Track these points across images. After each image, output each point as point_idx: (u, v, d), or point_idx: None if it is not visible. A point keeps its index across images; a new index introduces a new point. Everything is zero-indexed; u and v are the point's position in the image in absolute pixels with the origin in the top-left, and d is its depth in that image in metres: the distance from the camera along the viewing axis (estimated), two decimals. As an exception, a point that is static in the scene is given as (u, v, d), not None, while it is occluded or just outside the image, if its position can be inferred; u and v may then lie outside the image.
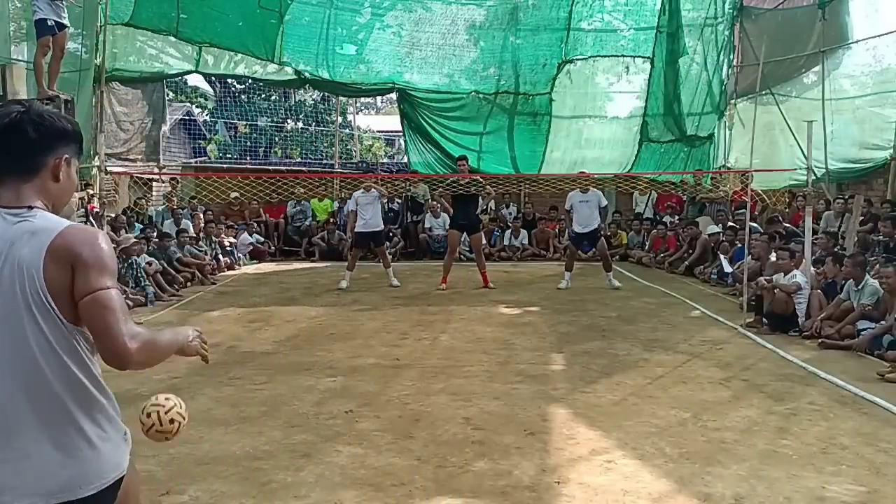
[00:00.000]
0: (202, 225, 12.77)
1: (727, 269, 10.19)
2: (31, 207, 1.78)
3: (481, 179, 11.08)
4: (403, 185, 15.42)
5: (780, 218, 10.98)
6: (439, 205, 11.17)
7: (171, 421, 2.16)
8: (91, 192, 8.41)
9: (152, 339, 1.82)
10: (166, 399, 2.21)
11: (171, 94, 18.92)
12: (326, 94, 20.28)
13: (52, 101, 7.80)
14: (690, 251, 12.17)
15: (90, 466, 1.81)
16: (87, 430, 1.80)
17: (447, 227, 12.38)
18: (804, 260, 7.93)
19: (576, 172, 14.96)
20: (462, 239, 11.65)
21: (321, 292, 10.43)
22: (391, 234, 14.12)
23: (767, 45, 10.06)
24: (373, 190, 10.75)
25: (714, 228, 11.99)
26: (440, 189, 11.92)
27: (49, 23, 7.73)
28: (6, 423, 1.74)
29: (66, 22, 7.88)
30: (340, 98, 18.66)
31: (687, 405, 5.13)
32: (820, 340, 6.98)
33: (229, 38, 14.15)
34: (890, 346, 6.36)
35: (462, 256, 13.81)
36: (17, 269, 1.71)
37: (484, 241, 14.47)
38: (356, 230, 10.86)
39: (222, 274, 12.07)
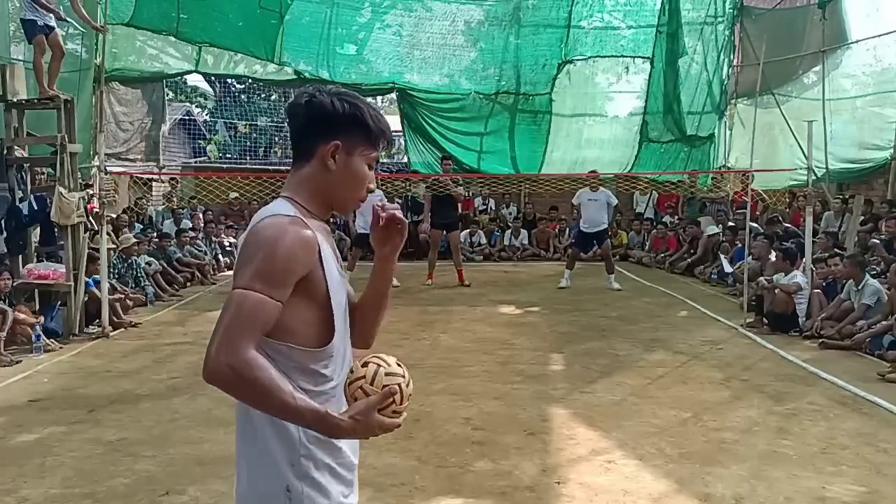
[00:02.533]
0: (202, 225, 12.76)
1: (727, 269, 10.18)
2: (278, 196, 1.67)
3: (460, 179, 11.21)
4: (403, 184, 15.42)
5: (781, 218, 10.98)
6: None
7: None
8: (91, 192, 8.40)
9: (257, 377, 1.47)
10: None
11: (171, 94, 18.90)
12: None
13: (51, 101, 7.82)
14: (692, 251, 12.17)
15: (240, 484, 1.67)
16: (244, 459, 1.70)
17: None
18: (804, 260, 7.93)
19: (576, 172, 15.05)
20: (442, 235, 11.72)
21: (321, 292, 10.41)
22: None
23: (767, 45, 10.06)
24: (376, 192, 10.72)
25: (714, 229, 11.98)
26: (424, 192, 11.97)
27: (39, 23, 7.74)
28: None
29: (52, 24, 7.88)
30: (340, 98, 18.62)
31: (687, 405, 5.13)
32: (820, 340, 6.97)
33: (229, 38, 14.14)
34: (890, 346, 6.36)
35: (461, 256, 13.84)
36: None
37: (485, 241, 14.58)
38: (357, 231, 10.89)
39: (222, 274, 12.05)
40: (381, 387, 1.56)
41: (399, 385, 1.58)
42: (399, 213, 1.74)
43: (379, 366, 1.58)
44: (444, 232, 11.13)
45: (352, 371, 1.61)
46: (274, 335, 1.54)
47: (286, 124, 1.70)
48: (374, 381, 1.56)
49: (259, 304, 1.47)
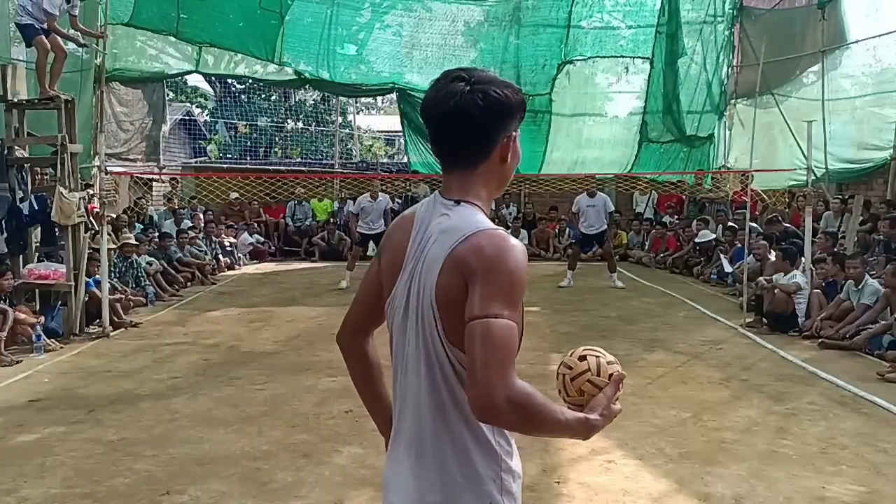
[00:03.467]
0: (202, 225, 12.78)
1: (728, 269, 10.18)
2: (457, 202, 1.53)
3: None
4: (403, 184, 15.43)
5: (781, 218, 10.98)
6: None
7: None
8: (91, 192, 8.41)
9: (536, 405, 1.40)
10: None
11: (171, 94, 18.90)
12: (326, 94, 20.27)
13: (52, 101, 7.83)
14: (694, 251, 12.19)
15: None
16: (440, 475, 1.54)
17: None
18: (804, 260, 7.93)
19: (576, 172, 15.06)
20: None
21: (321, 292, 10.43)
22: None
23: (767, 46, 10.06)
24: (380, 199, 10.72)
25: (708, 235, 11.92)
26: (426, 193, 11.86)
27: (37, 26, 7.75)
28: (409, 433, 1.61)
29: (45, 26, 7.87)
30: (340, 98, 18.67)
31: (687, 405, 5.13)
32: (820, 340, 6.98)
33: (229, 39, 14.15)
34: (890, 346, 6.37)
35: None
36: (425, 266, 1.51)
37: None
38: (359, 230, 10.86)
39: (222, 274, 12.07)
40: (608, 375, 1.60)
41: (620, 371, 1.63)
42: None
43: (598, 357, 1.63)
44: None
45: (569, 367, 1.63)
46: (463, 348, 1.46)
47: (434, 127, 1.55)
48: (600, 372, 1.60)
49: (510, 331, 1.40)
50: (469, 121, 1.50)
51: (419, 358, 1.53)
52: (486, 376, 1.37)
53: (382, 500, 1.71)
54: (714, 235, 11.90)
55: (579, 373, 1.60)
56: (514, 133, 1.57)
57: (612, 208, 11.31)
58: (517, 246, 1.47)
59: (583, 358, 1.62)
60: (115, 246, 9.13)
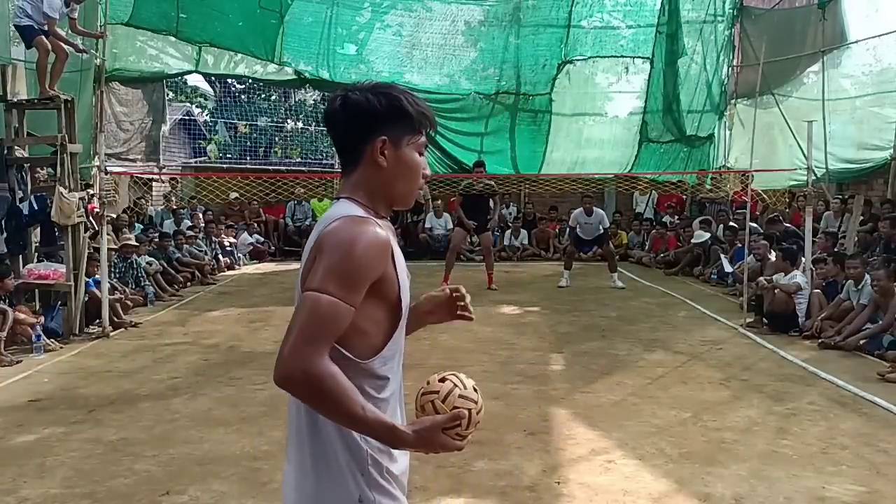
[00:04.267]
0: (202, 225, 12.78)
1: (728, 268, 10.17)
2: (338, 198, 1.62)
3: (493, 184, 11.00)
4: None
5: (781, 218, 10.98)
6: (457, 216, 11.00)
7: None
8: (91, 192, 8.40)
9: (332, 386, 1.43)
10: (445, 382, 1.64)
11: (171, 94, 18.90)
12: (326, 94, 20.26)
13: (52, 101, 7.83)
14: (694, 252, 12.19)
15: (305, 496, 1.58)
16: (309, 467, 1.58)
17: (448, 227, 12.32)
18: (803, 260, 7.93)
19: (576, 172, 15.07)
20: (466, 238, 11.61)
21: (321, 292, 10.41)
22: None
23: (767, 45, 10.06)
24: None
25: (703, 236, 11.91)
26: (455, 198, 11.71)
27: (36, 27, 7.74)
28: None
29: (45, 28, 7.87)
30: (340, 98, 18.64)
31: (687, 405, 5.13)
32: (820, 341, 6.98)
33: (229, 39, 14.15)
34: (890, 346, 6.37)
35: (462, 256, 13.82)
36: (303, 256, 1.60)
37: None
38: None
39: (222, 274, 12.07)
40: (452, 407, 1.56)
41: (470, 410, 1.57)
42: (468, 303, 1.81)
43: (455, 385, 1.59)
44: (475, 233, 11.04)
45: (428, 383, 1.62)
46: (342, 338, 1.50)
47: (325, 132, 1.68)
48: (447, 400, 1.57)
49: (333, 308, 1.44)
50: (334, 126, 1.62)
51: None
52: (294, 344, 1.42)
53: None
54: (708, 236, 11.90)
55: (429, 391, 1.60)
56: (385, 140, 1.59)
57: (608, 224, 11.45)
58: (369, 232, 1.50)
59: (443, 380, 1.61)
60: (115, 246, 9.13)
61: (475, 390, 1.60)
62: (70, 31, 8.42)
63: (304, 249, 1.61)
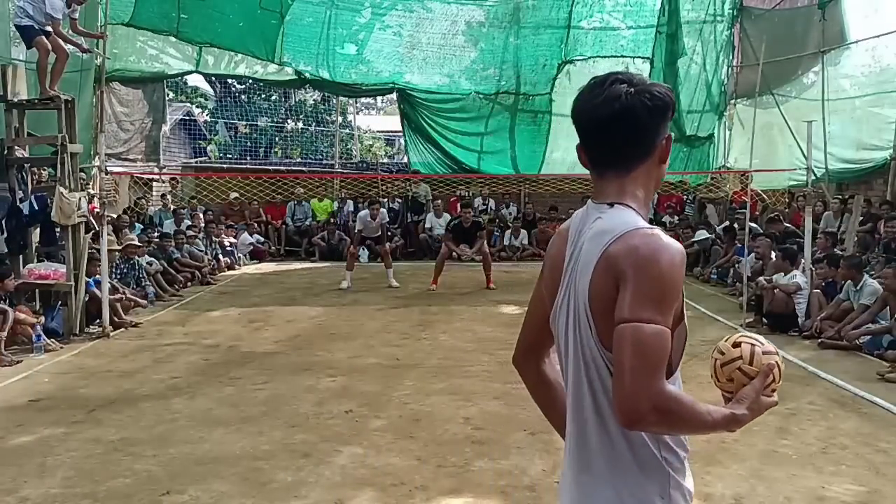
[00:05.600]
0: (202, 225, 12.78)
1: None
2: (611, 204, 1.49)
3: (482, 220, 11.26)
4: (404, 184, 15.43)
5: (781, 217, 10.98)
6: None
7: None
8: (91, 192, 8.41)
9: (682, 411, 1.39)
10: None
11: (172, 94, 18.90)
12: (326, 94, 20.28)
13: (52, 101, 7.83)
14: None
15: None
16: (603, 489, 1.49)
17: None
18: (803, 260, 7.93)
19: (576, 172, 15.04)
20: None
21: (321, 292, 10.43)
22: (391, 234, 14.12)
23: (767, 46, 10.05)
24: (378, 218, 10.80)
25: (703, 234, 11.93)
26: (444, 235, 11.82)
27: (36, 27, 7.74)
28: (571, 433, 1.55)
29: (49, 29, 7.87)
30: (340, 98, 18.68)
31: (687, 405, 5.12)
32: (819, 340, 6.98)
33: (230, 39, 14.16)
34: (889, 346, 6.37)
35: (462, 256, 13.81)
36: (579, 269, 1.47)
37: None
38: (357, 231, 10.96)
39: (222, 274, 12.06)
40: (760, 366, 1.53)
41: (776, 362, 1.56)
42: None
43: (753, 345, 1.56)
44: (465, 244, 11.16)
45: (722, 353, 1.58)
46: None
47: (593, 130, 1.51)
48: (753, 362, 1.54)
49: (658, 336, 1.35)
50: (637, 121, 1.48)
51: (578, 365, 1.50)
52: (632, 383, 1.33)
53: None
54: (708, 235, 11.90)
55: (730, 360, 1.55)
56: (669, 134, 1.55)
57: None
58: (672, 245, 1.40)
59: (737, 345, 1.56)
60: (118, 247, 9.13)
61: (764, 341, 1.59)
62: (71, 32, 8.41)
63: (576, 262, 1.49)
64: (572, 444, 1.57)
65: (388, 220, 11.64)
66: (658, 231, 1.43)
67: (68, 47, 8.30)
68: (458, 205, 11.87)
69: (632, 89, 1.47)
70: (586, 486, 1.52)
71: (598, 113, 1.49)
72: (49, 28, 7.84)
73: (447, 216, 14.28)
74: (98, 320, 7.65)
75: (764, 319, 7.70)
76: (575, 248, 1.51)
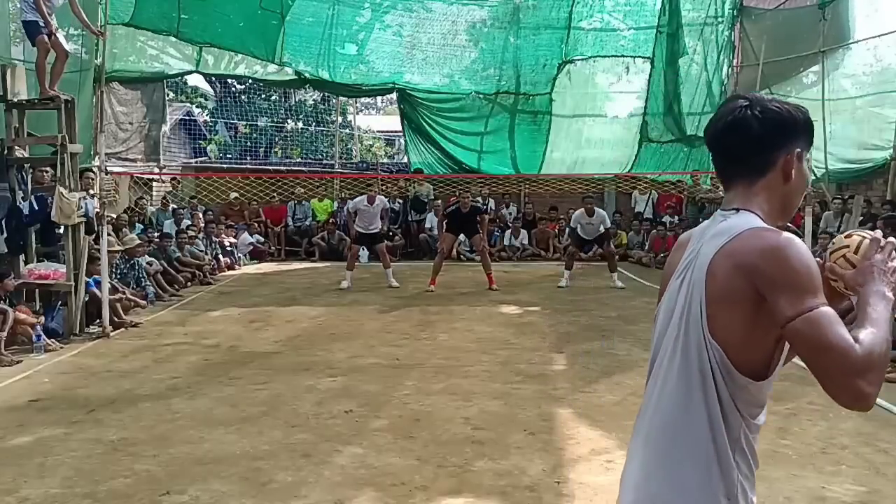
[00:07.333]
0: (202, 225, 12.78)
1: None
2: (737, 210, 1.58)
3: (479, 203, 11.12)
4: (404, 184, 15.44)
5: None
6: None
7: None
8: (91, 192, 8.40)
9: (873, 342, 1.41)
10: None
11: (171, 94, 18.89)
12: (326, 94, 20.28)
13: (52, 101, 7.83)
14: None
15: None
16: (672, 476, 1.53)
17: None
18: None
19: (576, 172, 15.09)
20: (461, 239, 11.61)
21: (321, 292, 10.43)
22: (391, 234, 14.13)
23: (767, 45, 10.07)
24: (377, 203, 10.72)
25: None
26: (440, 222, 11.81)
27: (40, 23, 7.74)
28: (662, 432, 1.59)
29: (52, 28, 7.86)
30: (340, 98, 18.69)
31: (687, 405, 5.12)
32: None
33: (230, 39, 14.16)
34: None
35: (462, 256, 13.82)
36: (697, 262, 1.55)
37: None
38: (357, 230, 10.86)
39: (222, 274, 12.07)
40: (865, 256, 1.58)
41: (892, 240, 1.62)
42: None
43: (864, 238, 1.61)
44: (463, 236, 11.03)
45: (833, 243, 1.67)
46: (730, 351, 1.48)
47: (712, 143, 1.64)
48: (859, 251, 1.60)
49: (828, 316, 1.41)
50: (747, 132, 1.56)
51: (676, 354, 1.56)
52: (832, 367, 1.41)
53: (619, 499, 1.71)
54: None
55: (839, 248, 1.63)
56: (800, 152, 1.59)
57: (609, 224, 11.40)
58: (794, 238, 1.49)
59: (849, 236, 1.64)
60: (120, 248, 9.13)
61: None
62: (71, 12, 8.35)
63: (695, 257, 1.56)
64: (646, 427, 1.62)
65: (387, 205, 11.53)
66: (774, 228, 1.52)
67: (69, 46, 8.28)
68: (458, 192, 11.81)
69: (746, 103, 1.59)
70: (660, 474, 1.57)
71: (715, 127, 1.62)
72: (48, 29, 7.83)
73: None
74: (98, 320, 7.65)
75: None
76: (695, 247, 1.59)
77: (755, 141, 1.57)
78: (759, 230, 1.50)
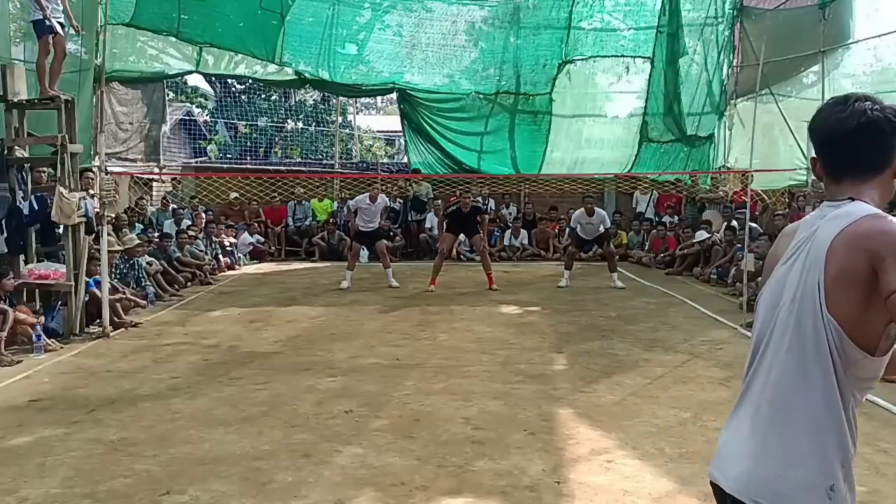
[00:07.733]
0: (202, 225, 12.78)
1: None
2: (851, 199, 1.68)
3: (480, 201, 11.10)
4: (404, 184, 15.43)
5: (783, 217, 10.97)
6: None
7: None
8: (91, 192, 8.40)
9: None
10: None
11: (171, 94, 18.90)
12: (326, 94, 20.28)
13: (52, 101, 7.83)
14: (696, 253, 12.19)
15: (768, 470, 1.66)
16: (786, 443, 1.65)
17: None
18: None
19: (576, 172, 15.08)
20: (462, 239, 11.59)
21: (321, 292, 10.43)
22: (392, 234, 14.13)
23: (767, 45, 10.05)
24: (378, 201, 10.73)
25: (703, 235, 11.95)
26: (440, 222, 11.82)
27: (47, 22, 7.74)
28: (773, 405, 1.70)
29: (59, 26, 7.87)
30: (340, 98, 18.69)
31: (687, 405, 5.13)
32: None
33: (230, 39, 14.16)
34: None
35: (462, 256, 13.82)
36: (813, 245, 1.65)
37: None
38: (358, 229, 10.86)
39: (222, 274, 12.07)
40: None
41: None
42: None
43: None
44: (463, 236, 10.99)
45: None
46: (849, 326, 1.59)
47: (837, 140, 1.73)
48: None
49: None
50: (881, 134, 1.68)
51: (787, 330, 1.67)
52: None
53: (712, 467, 1.83)
54: (708, 235, 11.90)
55: None
56: None
57: (609, 224, 11.39)
58: None
59: None
60: (121, 248, 9.13)
61: None
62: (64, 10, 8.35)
63: (808, 241, 1.67)
64: (755, 400, 1.76)
65: (388, 204, 11.52)
66: (888, 215, 1.63)
67: (69, 46, 8.28)
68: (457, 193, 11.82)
69: (876, 106, 1.70)
70: (775, 441, 1.67)
71: (844, 125, 1.70)
72: (57, 26, 7.83)
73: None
74: (98, 320, 7.65)
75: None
76: (807, 233, 1.70)
77: (884, 142, 1.69)
78: (877, 215, 1.62)
